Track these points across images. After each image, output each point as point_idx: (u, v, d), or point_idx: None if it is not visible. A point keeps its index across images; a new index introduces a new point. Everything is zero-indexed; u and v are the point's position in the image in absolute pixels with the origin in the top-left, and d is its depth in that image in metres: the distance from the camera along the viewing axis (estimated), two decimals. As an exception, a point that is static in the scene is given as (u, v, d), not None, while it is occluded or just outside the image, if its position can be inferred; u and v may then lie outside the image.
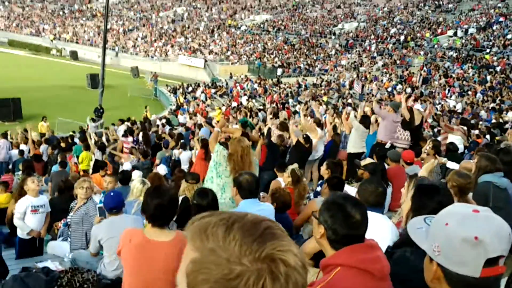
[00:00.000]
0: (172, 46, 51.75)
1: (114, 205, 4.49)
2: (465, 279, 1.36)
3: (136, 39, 55.21)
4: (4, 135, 13.77)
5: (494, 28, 36.15)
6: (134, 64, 45.07)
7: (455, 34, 36.95)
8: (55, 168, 10.69)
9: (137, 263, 2.97)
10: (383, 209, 3.59)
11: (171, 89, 35.12)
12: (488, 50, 31.97)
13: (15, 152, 13.44)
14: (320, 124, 10.96)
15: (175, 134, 14.08)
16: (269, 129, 9.99)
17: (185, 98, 31.55)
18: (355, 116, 9.74)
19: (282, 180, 6.49)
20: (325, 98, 25.77)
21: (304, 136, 8.86)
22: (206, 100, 31.14)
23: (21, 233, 6.31)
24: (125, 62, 48.92)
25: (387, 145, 8.35)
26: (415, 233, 1.56)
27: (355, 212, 1.99)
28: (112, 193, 4.75)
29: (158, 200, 3.01)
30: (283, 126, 10.10)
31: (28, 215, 6.27)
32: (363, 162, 5.82)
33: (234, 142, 4.82)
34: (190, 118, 22.47)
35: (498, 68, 27.48)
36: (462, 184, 3.92)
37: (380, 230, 2.96)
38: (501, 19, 37.84)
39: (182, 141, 12.56)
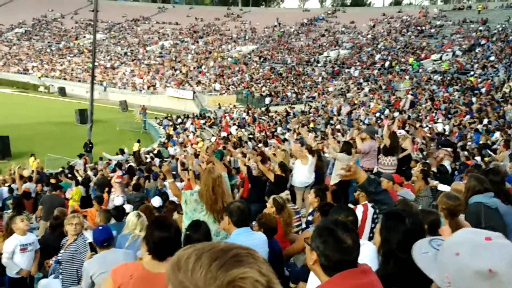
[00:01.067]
0: (160, 79, 52.11)
1: (104, 237, 4.44)
2: None
3: (124, 73, 55.53)
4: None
5: (477, 50, 36.98)
6: (123, 98, 45.21)
7: (441, 58, 37.68)
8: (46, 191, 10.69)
9: None
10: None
11: (160, 121, 35.17)
12: (472, 73, 32.61)
13: (4, 189, 13.31)
14: (312, 151, 10.98)
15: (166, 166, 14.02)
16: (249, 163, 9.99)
17: (174, 130, 31.59)
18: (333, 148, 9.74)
19: (267, 210, 6.49)
20: (311, 125, 25.94)
21: (280, 164, 8.87)
22: (195, 131, 31.20)
23: (10, 273, 6.19)
24: (113, 97, 49.04)
25: (375, 170, 8.38)
26: (421, 259, 1.48)
27: (346, 237, 1.99)
28: (100, 227, 4.71)
29: (164, 233, 2.93)
30: (262, 156, 10.12)
31: (17, 254, 6.16)
32: (358, 184, 5.80)
33: (205, 173, 4.64)
34: (181, 149, 22.47)
35: (483, 90, 27.96)
36: (452, 207, 3.95)
37: (364, 256, 2.91)
38: (483, 41, 38.79)
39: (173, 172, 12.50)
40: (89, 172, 16.12)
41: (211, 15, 69.91)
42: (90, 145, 24.14)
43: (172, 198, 9.51)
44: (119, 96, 47.77)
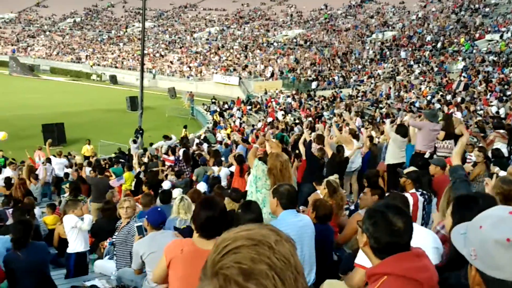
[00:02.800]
0: (207, 66, 52.62)
1: (162, 219, 4.62)
2: (503, 284, 1.28)
3: (172, 62, 56.44)
4: (49, 160, 14.27)
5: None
6: (171, 85, 46.02)
7: (501, 36, 35.78)
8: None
9: (188, 273, 2.96)
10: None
11: (207, 107, 35.61)
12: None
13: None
14: (356, 136, 10.81)
15: (212, 151, 14.26)
16: (310, 141, 9.90)
17: (221, 116, 31.91)
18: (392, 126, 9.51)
19: (320, 192, 6.46)
20: (356, 109, 25.30)
21: (337, 147, 8.79)
22: (242, 117, 31.38)
23: (74, 249, 6.44)
24: (162, 84, 50.04)
25: (427, 155, 8.12)
26: (456, 238, 1.50)
27: (397, 220, 1.95)
28: (159, 208, 4.88)
29: (210, 212, 3.03)
30: (320, 139, 10.02)
31: (77, 230, 6.43)
32: (405, 170, 5.67)
33: (273, 157, 4.81)
34: (228, 135, 22.71)
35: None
36: (506, 191, 3.82)
37: (421, 240, 2.86)
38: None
39: (221, 158, 12.70)
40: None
41: (257, 0, 69.58)
42: (141, 131, 24.83)
43: (222, 183, 9.66)
44: (167, 83, 48.69)
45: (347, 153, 9.56)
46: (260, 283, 0.90)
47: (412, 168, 5.73)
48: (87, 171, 13.37)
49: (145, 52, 44.74)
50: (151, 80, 50.63)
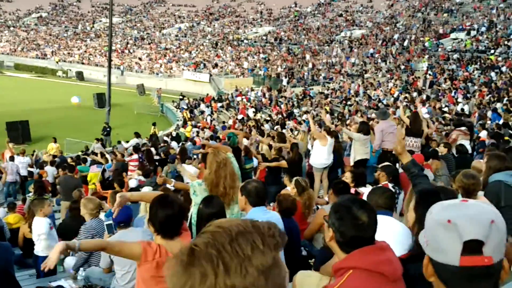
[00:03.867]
0: (177, 62, 52.15)
1: (122, 219, 4.48)
2: (447, 268, 1.28)
3: (140, 58, 55.70)
4: (12, 158, 13.86)
5: (498, 28, 36.07)
6: (140, 81, 45.39)
7: (468, 33, 36.70)
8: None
9: (157, 278, 2.90)
10: (392, 213, 3.54)
11: (177, 104, 35.30)
12: (492, 51, 31.84)
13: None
14: (330, 132, 10.96)
15: (180, 149, 14.17)
16: (269, 145, 10.02)
17: (191, 112, 31.68)
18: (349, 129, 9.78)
19: (290, 190, 6.51)
20: (327, 107, 25.57)
21: (292, 146, 8.95)
22: (212, 114, 31.26)
23: (43, 252, 6.27)
24: (130, 80, 49.27)
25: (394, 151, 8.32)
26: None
27: (361, 214, 1.98)
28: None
29: (168, 210, 2.92)
30: (281, 138, 10.10)
31: (49, 232, 6.29)
32: (380, 165, 5.81)
33: (210, 156, 4.55)
34: (197, 133, 22.59)
35: (503, 69, 27.35)
36: (466, 185, 3.97)
37: (395, 234, 2.91)
38: (502, 18, 37.81)
39: (188, 156, 12.60)
40: (107, 156, 16.30)
41: (226, -3, 69.38)
42: (108, 129, 24.42)
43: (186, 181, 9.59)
44: (136, 80, 47.95)
45: (321, 149, 9.64)
46: (202, 266, 0.92)
47: (386, 163, 5.89)
48: (50, 171, 13.09)
49: (113, 48, 43.99)
50: (119, 76, 49.83)
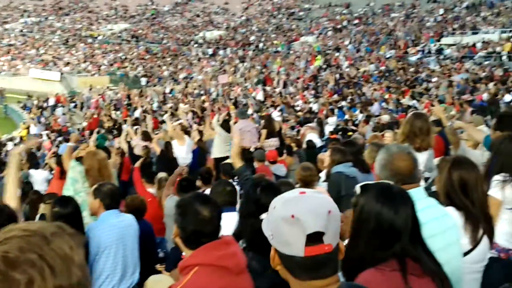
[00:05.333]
0: (22, 59, 47.68)
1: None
2: (293, 259, 1.39)
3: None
4: None
5: (343, 32, 39.64)
6: (-21, 80, 40.56)
7: (318, 37, 39.57)
8: None
9: None
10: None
11: (23, 105, 32.27)
12: (337, 54, 34.81)
13: None
14: (187, 132, 11.04)
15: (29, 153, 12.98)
16: (129, 142, 9.74)
17: (41, 113, 29.24)
18: (218, 120, 9.99)
19: (153, 191, 6.41)
20: (184, 106, 25.46)
21: (166, 144, 8.85)
22: (64, 114, 29.22)
23: None
24: (-33, 79, 43.78)
25: (252, 149, 8.70)
26: (263, 222, 1.57)
27: (202, 209, 2.02)
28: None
29: None
30: (146, 136, 9.93)
31: None
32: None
33: (89, 156, 4.49)
34: (48, 136, 20.96)
35: (347, 69, 30.03)
36: (303, 177, 4.40)
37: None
38: (345, 24, 41.80)
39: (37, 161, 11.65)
40: None
41: (77, -10, 65.32)
42: None
43: (36, 187, 8.87)
44: (-26, 78, 42.77)
45: (179, 148, 9.63)
46: (26, 271, 0.91)
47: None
48: None
49: None
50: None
